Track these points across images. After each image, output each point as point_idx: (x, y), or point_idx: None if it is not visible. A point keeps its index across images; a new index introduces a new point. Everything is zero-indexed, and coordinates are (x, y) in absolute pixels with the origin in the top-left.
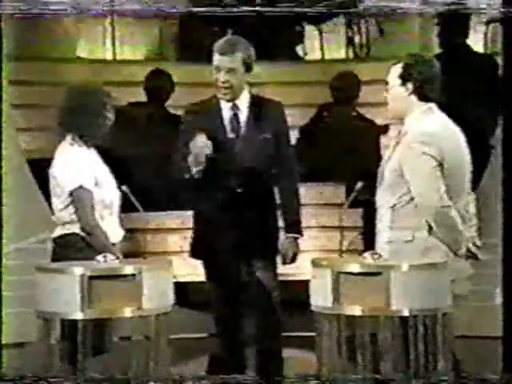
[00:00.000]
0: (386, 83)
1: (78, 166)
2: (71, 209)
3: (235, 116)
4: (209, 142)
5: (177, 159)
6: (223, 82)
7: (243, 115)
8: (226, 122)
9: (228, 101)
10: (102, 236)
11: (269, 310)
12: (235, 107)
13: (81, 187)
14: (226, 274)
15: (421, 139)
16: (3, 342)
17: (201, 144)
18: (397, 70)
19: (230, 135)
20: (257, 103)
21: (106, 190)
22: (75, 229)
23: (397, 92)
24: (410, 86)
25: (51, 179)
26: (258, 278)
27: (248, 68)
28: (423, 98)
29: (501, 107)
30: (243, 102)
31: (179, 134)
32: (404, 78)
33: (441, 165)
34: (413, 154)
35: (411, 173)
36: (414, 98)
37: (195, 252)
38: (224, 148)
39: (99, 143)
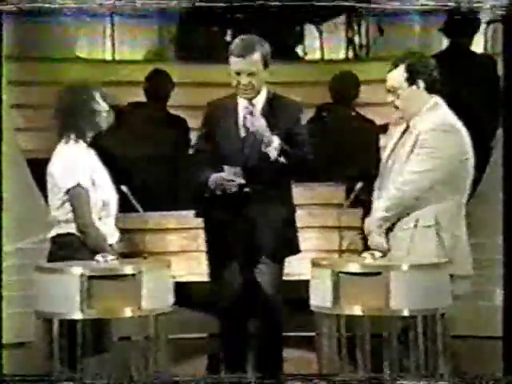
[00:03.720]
0: (391, 90)
1: (76, 165)
2: (67, 207)
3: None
4: (238, 171)
5: (196, 172)
6: (245, 85)
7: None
8: (240, 121)
9: (248, 99)
10: (97, 235)
11: (271, 311)
12: (251, 106)
13: (78, 185)
14: (234, 273)
15: (443, 128)
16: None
17: (230, 177)
18: (400, 72)
19: (243, 135)
20: (273, 102)
21: (103, 191)
22: (71, 228)
23: (409, 92)
24: (420, 83)
25: (48, 178)
26: (263, 279)
27: (266, 65)
28: (433, 90)
29: (502, 108)
30: (259, 100)
31: (199, 135)
32: (413, 78)
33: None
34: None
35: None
36: (424, 93)
37: (209, 251)
38: (235, 147)
39: (97, 142)
